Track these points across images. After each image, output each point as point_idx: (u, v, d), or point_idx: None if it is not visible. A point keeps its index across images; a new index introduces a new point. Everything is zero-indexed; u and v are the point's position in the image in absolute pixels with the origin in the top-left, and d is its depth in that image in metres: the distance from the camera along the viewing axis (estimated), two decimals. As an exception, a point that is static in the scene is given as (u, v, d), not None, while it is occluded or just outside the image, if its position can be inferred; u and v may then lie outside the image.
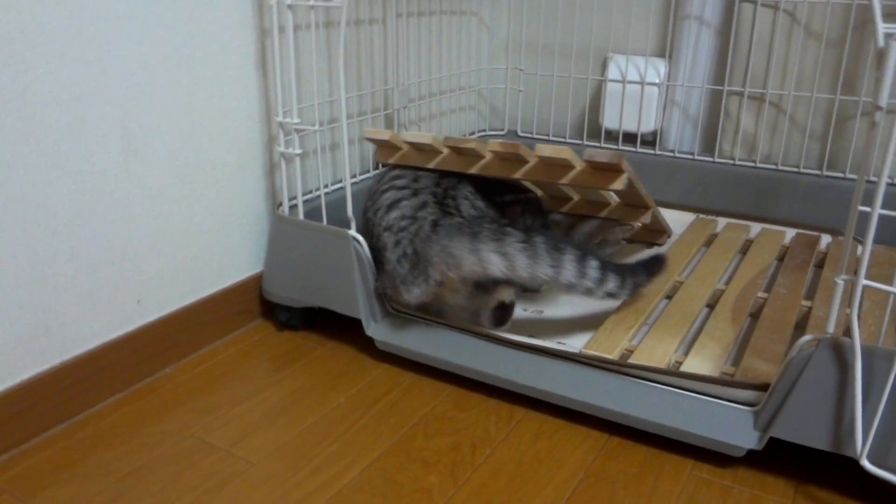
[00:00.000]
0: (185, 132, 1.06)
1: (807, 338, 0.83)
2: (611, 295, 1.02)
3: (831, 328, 0.80)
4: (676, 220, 1.51)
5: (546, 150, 0.96)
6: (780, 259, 1.35)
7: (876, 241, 0.83)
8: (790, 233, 1.45)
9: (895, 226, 1.29)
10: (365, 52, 1.37)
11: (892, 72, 0.69)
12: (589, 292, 1.00)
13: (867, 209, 0.74)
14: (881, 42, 0.69)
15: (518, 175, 1.01)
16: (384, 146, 1.12)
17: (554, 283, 0.99)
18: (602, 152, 0.94)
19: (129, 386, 1.05)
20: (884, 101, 0.70)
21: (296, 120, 1.10)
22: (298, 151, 1.13)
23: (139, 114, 0.99)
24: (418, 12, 1.50)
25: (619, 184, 0.96)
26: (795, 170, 1.48)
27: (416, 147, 1.09)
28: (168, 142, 1.04)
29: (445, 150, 1.07)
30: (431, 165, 1.09)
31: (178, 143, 1.06)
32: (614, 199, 1.21)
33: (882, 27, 0.69)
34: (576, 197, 1.24)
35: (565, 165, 0.99)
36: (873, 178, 1.40)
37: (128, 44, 0.96)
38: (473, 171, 1.05)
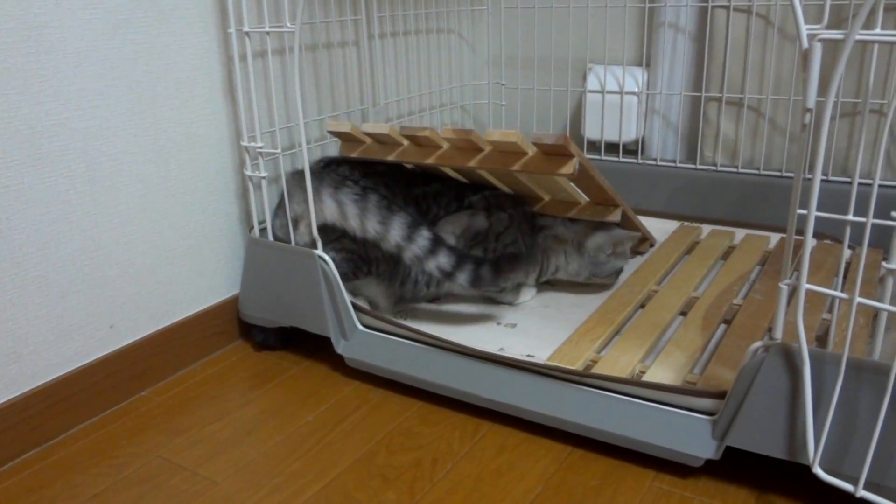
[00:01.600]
0: (151, 160, 1.09)
1: (757, 344, 0.81)
2: (445, 273, 1.05)
3: (778, 334, 0.79)
4: (660, 228, 1.50)
5: (495, 135, 0.97)
6: (763, 264, 1.33)
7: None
8: (775, 238, 1.43)
9: None
10: (338, 73, 1.39)
11: (817, 73, 0.69)
12: (419, 261, 1.05)
13: (804, 211, 0.73)
14: (805, 43, 0.69)
15: (473, 164, 1.01)
16: (347, 140, 1.13)
17: (384, 241, 1.05)
18: (549, 135, 0.94)
19: (103, 410, 1.08)
20: (811, 102, 0.70)
21: (259, 144, 1.12)
22: (264, 175, 1.15)
23: (103, 144, 1.02)
24: (392, 32, 1.52)
25: (570, 167, 0.94)
26: (778, 174, 1.46)
27: (377, 139, 1.10)
28: (135, 170, 1.07)
29: (405, 143, 1.08)
30: (392, 158, 1.09)
31: (146, 170, 1.09)
32: (584, 198, 1.21)
33: (805, 28, 0.69)
34: (546, 197, 1.23)
35: (516, 151, 0.99)
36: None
37: (88, 78, 0.99)
38: (431, 161, 1.05)
